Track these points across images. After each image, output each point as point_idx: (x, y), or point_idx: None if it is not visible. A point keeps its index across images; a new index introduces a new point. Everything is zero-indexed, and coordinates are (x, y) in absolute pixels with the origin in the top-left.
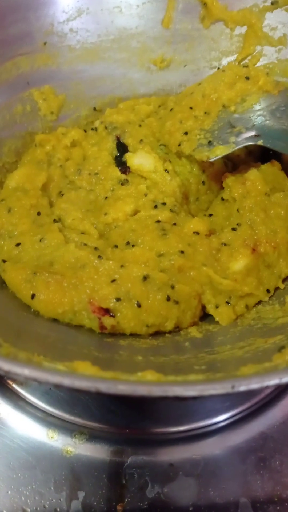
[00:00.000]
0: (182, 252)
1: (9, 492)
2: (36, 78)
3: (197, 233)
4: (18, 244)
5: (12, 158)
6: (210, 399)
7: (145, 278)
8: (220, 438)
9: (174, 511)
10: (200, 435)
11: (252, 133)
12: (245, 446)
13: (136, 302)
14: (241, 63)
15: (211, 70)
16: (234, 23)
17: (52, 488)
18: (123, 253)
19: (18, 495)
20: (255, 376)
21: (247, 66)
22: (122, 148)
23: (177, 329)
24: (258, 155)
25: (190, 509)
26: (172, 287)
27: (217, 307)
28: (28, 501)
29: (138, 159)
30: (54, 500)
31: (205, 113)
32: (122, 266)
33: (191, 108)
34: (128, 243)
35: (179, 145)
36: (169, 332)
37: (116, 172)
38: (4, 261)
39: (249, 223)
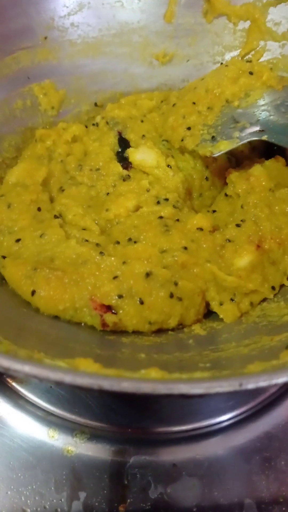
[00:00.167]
0: (185, 248)
1: (9, 492)
2: (37, 72)
3: (201, 229)
4: (18, 240)
5: (12, 154)
6: (213, 398)
7: (147, 274)
8: (224, 438)
9: None
10: (203, 434)
11: (256, 128)
12: (250, 446)
13: (138, 299)
14: (245, 58)
15: (214, 65)
16: (237, 17)
17: (52, 488)
18: (125, 249)
19: (18, 495)
20: (263, 373)
21: (250, 61)
22: (124, 143)
23: (180, 326)
24: (262, 150)
25: (194, 510)
26: (176, 283)
27: (221, 304)
28: (28, 501)
29: (140, 155)
30: (54, 501)
31: (208, 108)
32: (124, 262)
33: (194, 103)
34: (130, 239)
35: (182, 140)
36: (172, 329)
37: (117, 167)
38: (4, 257)
39: (253, 219)
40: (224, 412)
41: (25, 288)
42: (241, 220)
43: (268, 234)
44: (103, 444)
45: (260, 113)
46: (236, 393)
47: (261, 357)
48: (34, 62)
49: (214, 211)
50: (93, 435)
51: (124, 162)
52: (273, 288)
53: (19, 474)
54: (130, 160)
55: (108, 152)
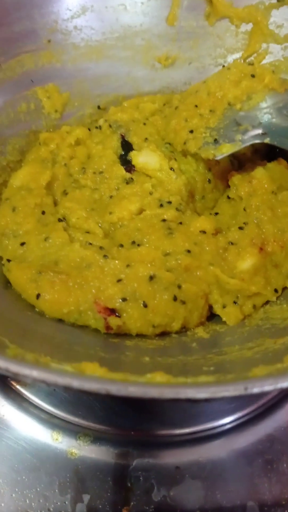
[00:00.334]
0: (188, 251)
1: (13, 495)
2: (40, 76)
3: (204, 232)
4: (22, 244)
5: (16, 157)
6: (217, 401)
7: (151, 277)
8: (227, 441)
9: None
10: (206, 437)
11: (259, 131)
12: (252, 449)
13: (142, 302)
14: (247, 61)
15: (216, 68)
16: (239, 20)
17: (56, 490)
18: (128, 252)
19: (22, 498)
20: (268, 377)
21: (252, 64)
22: (127, 146)
23: (183, 329)
24: (265, 153)
25: None
26: (179, 287)
27: (224, 307)
28: (33, 504)
29: (143, 158)
30: (58, 503)
31: (211, 111)
32: (128, 265)
33: (196, 106)
34: (133, 242)
35: (185, 143)
36: (176, 332)
37: (121, 170)
38: (8, 260)
39: (256, 222)
40: (226, 415)
41: (29, 292)
42: (244, 223)
43: (270, 236)
44: (107, 446)
45: (263, 116)
46: (239, 396)
47: (265, 361)
48: (37, 65)
49: (216, 213)
50: (97, 438)
51: (127, 165)
52: (275, 290)
53: (23, 477)
54: (133, 163)
55: (111, 155)
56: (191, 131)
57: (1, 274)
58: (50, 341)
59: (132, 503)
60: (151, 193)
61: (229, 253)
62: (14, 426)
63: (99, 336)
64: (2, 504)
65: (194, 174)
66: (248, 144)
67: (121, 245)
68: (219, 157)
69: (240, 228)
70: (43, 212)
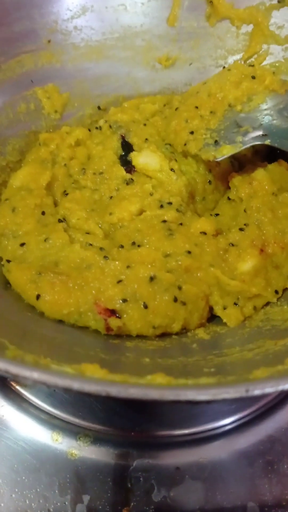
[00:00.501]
0: (189, 252)
1: (13, 495)
2: (40, 76)
3: (204, 233)
4: (22, 244)
5: (16, 157)
6: (217, 402)
7: (151, 278)
8: (227, 441)
9: None
10: (206, 438)
11: (259, 132)
12: (253, 450)
13: (142, 303)
14: (247, 62)
15: (217, 69)
16: (240, 21)
17: (56, 491)
18: (129, 253)
19: (22, 498)
20: (269, 379)
21: (253, 65)
22: (127, 147)
23: (184, 330)
24: (265, 154)
25: None
26: (179, 288)
27: (224, 308)
28: (33, 504)
29: (144, 158)
30: (58, 504)
31: (211, 112)
32: (128, 266)
33: (196, 107)
34: (134, 243)
35: (185, 144)
36: (176, 333)
37: (121, 171)
38: (8, 261)
39: (256, 223)
40: (227, 416)
41: (29, 293)
42: (244, 224)
43: (271, 238)
44: (107, 447)
45: (263, 118)
46: (240, 398)
47: (266, 362)
48: (37, 65)
49: (217, 214)
50: (97, 439)
51: (127, 165)
52: (276, 292)
53: (23, 477)
54: (133, 163)
55: (111, 156)
56: (192, 132)
57: (1, 274)
58: (50, 342)
59: (132, 504)
60: (151, 194)
61: (230, 255)
62: (14, 426)
63: (99, 337)
64: (2, 505)
65: (194, 175)
66: (248, 145)
67: (121, 246)
68: (219, 159)
69: (241, 229)
70: (43, 213)
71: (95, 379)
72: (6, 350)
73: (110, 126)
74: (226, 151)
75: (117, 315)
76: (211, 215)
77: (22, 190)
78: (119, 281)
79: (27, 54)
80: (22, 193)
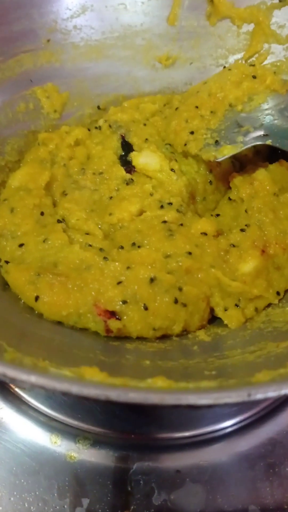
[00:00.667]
0: (189, 253)
1: (12, 498)
2: (40, 75)
3: (205, 233)
4: (21, 245)
5: (15, 157)
6: (218, 406)
7: (152, 280)
8: (228, 444)
9: None
10: (207, 440)
11: (261, 132)
12: (254, 452)
13: (143, 305)
14: (248, 61)
15: (217, 68)
16: (241, 20)
17: (55, 494)
18: (129, 254)
19: (21, 501)
20: (271, 383)
21: (253, 65)
22: (127, 147)
23: (184, 332)
24: (266, 154)
25: None
26: (180, 289)
27: (226, 309)
28: (32, 507)
29: (144, 158)
30: (58, 507)
31: (212, 112)
32: (128, 267)
33: (197, 107)
34: (134, 244)
35: (185, 144)
36: (177, 335)
37: (121, 171)
38: (7, 262)
39: (258, 224)
40: (228, 418)
41: (28, 294)
42: (246, 225)
43: (272, 239)
44: (106, 450)
45: (264, 118)
46: (242, 402)
47: (268, 365)
48: (36, 65)
49: (217, 215)
50: (96, 441)
51: (127, 165)
52: (278, 293)
53: (22, 480)
54: (133, 164)
55: (111, 156)
56: (192, 132)
57: None
58: (49, 344)
59: (132, 507)
60: (151, 194)
61: (231, 256)
62: (12, 429)
63: (99, 339)
64: (0, 508)
65: (195, 175)
66: (249, 145)
67: (121, 247)
68: (220, 159)
69: (242, 230)
70: (42, 213)
71: (94, 382)
72: (4, 352)
73: (110, 126)
74: (226, 152)
75: (117, 316)
76: (211, 215)
77: (21, 190)
78: (119, 282)
79: (26, 53)
80: (21, 193)
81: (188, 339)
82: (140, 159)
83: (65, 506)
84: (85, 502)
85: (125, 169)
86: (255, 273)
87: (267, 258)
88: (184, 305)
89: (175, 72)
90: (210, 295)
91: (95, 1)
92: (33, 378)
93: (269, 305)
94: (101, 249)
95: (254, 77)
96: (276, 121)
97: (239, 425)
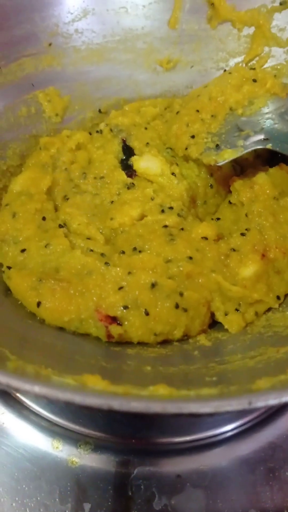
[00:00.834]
0: (190, 258)
1: (14, 504)
2: (41, 79)
3: (206, 238)
4: (23, 250)
5: (17, 161)
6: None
7: (153, 285)
8: (228, 448)
9: None
10: (207, 445)
11: (261, 136)
12: (254, 457)
13: (144, 310)
14: (249, 64)
15: (218, 71)
16: (241, 23)
17: (57, 499)
18: (130, 259)
19: (23, 507)
20: (272, 391)
21: (254, 68)
22: (128, 151)
23: (185, 337)
24: (266, 158)
25: None
26: (181, 294)
27: (226, 314)
28: None
29: (145, 162)
30: None
31: (212, 116)
32: (129, 273)
33: (197, 111)
34: (135, 248)
35: (186, 148)
36: (178, 340)
37: (122, 175)
38: (9, 267)
39: (258, 228)
40: (227, 423)
41: (30, 300)
42: (246, 229)
43: (273, 243)
44: (107, 455)
45: (265, 121)
46: (243, 410)
47: (268, 371)
48: (38, 68)
49: (218, 218)
50: (97, 446)
51: (128, 170)
52: (278, 297)
53: (24, 485)
54: (134, 168)
55: (112, 160)
56: (193, 136)
57: (1, 281)
58: (51, 350)
59: None
60: (152, 199)
61: (231, 260)
62: (14, 434)
63: (100, 345)
64: None
65: (195, 179)
66: (250, 150)
67: (123, 252)
68: (220, 163)
69: (242, 234)
70: (44, 218)
71: (96, 391)
72: (7, 361)
73: (111, 130)
74: (227, 156)
75: (118, 322)
76: (212, 219)
77: (23, 195)
78: (120, 288)
79: (28, 57)
80: (23, 198)
81: (188, 344)
82: (141, 163)
83: (67, 511)
84: (87, 507)
85: (126, 173)
86: (256, 278)
87: (267, 263)
88: (185, 310)
89: (176, 76)
90: (211, 300)
91: (96, 5)
92: (36, 388)
93: (269, 309)
94: (102, 254)
95: (254, 80)
96: (276, 125)
97: (239, 429)
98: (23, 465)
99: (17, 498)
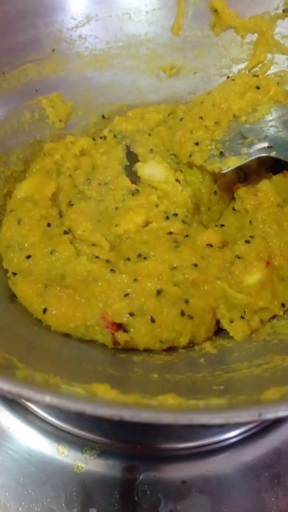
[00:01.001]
0: (195, 265)
1: (20, 509)
2: (45, 85)
3: (210, 245)
4: (28, 257)
5: (21, 167)
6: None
7: (158, 292)
8: (233, 454)
9: None
10: (212, 451)
11: (265, 144)
12: (259, 463)
13: (150, 317)
14: (252, 71)
15: (221, 78)
16: (245, 30)
17: (63, 505)
18: (135, 266)
19: None
20: (282, 402)
21: (257, 75)
22: (132, 157)
23: (191, 344)
24: (270, 165)
25: None
26: (186, 301)
27: (231, 321)
28: None
29: (149, 169)
30: None
31: (216, 123)
32: (135, 280)
33: (201, 117)
34: (140, 255)
35: (190, 155)
36: (183, 347)
37: (126, 182)
38: (14, 273)
39: (262, 235)
40: (232, 428)
41: (36, 306)
42: (250, 236)
43: (277, 250)
44: (113, 460)
45: (268, 129)
46: (253, 421)
47: (275, 381)
48: (41, 74)
49: (222, 225)
50: (103, 451)
51: (133, 176)
52: (283, 305)
53: (30, 490)
54: (139, 174)
55: (116, 166)
56: (197, 143)
57: (7, 287)
58: (58, 358)
59: None
60: (157, 205)
61: (236, 267)
62: (19, 439)
63: (106, 352)
64: None
65: (200, 185)
66: (254, 157)
67: (128, 259)
68: (225, 171)
69: (247, 241)
70: (49, 224)
71: (107, 401)
72: (17, 369)
73: (115, 136)
74: (231, 163)
75: (124, 329)
76: (216, 225)
77: (27, 201)
78: (126, 295)
79: (31, 63)
80: (27, 204)
81: (194, 351)
82: (145, 169)
83: None
84: None
85: (130, 180)
86: (260, 285)
87: (272, 270)
88: (191, 317)
89: (179, 82)
90: (216, 307)
91: (99, 11)
92: (47, 398)
93: (274, 316)
94: (107, 261)
95: (257, 87)
96: (280, 133)
97: (244, 435)
98: (28, 470)
99: (23, 503)
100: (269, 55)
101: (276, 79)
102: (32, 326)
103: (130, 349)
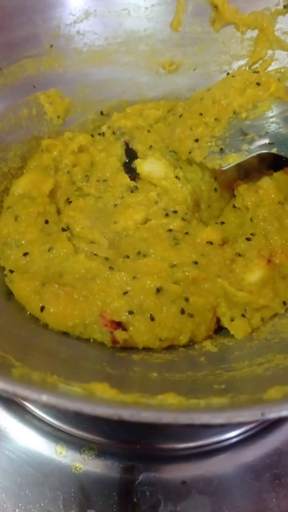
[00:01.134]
0: (195, 263)
1: (17, 510)
2: (42, 81)
3: (211, 242)
4: (25, 254)
5: (18, 163)
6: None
7: (158, 290)
8: (234, 455)
9: None
10: (212, 451)
11: (266, 140)
12: (260, 463)
13: (149, 315)
14: (252, 67)
15: (221, 74)
16: (245, 26)
17: (61, 506)
18: (134, 263)
19: None
20: (285, 402)
21: (257, 72)
22: (130, 154)
23: (191, 342)
24: (270, 162)
25: None
26: (186, 299)
27: (232, 320)
28: None
29: (148, 166)
30: None
31: (216, 119)
32: (134, 277)
33: (201, 114)
34: (139, 253)
35: (190, 152)
36: (183, 346)
37: (125, 178)
38: (11, 271)
39: (263, 233)
40: (233, 429)
41: (33, 304)
42: (251, 234)
43: (278, 248)
44: (112, 461)
45: (269, 126)
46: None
47: (277, 379)
48: (39, 70)
49: (222, 222)
50: (102, 452)
51: (132, 173)
52: (284, 303)
53: (27, 491)
54: (138, 171)
55: (115, 163)
56: (196, 140)
57: (3, 284)
58: (55, 356)
59: None
60: (156, 202)
61: (237, 265)
62: (16, 439)
63: (105, 350)
64: None
65: (199, 182)
66: (254, 154)
67: (127, 256)
68: (225, 168)
69: (248, 239)
70: (47, 221)
71: (105, 400)
72: (13, 368)
73: (114, 132)
74: (232, 160)
75: (123, 327)
76: (216, 223)
77: (25, 198)
78: (125, 293)
79: (29, 59)
80: (25, 201)
81: (194, 349)
82: (145, 166)
83: None
84: None
85: (129, 177)
86: (261, 283)
87: (273, 268)
88: (191, 315)
89: (178, 78)
90: (217, 305)
91: (98, 7)
92: (44, 398)
93: (275, 315)
94: (106, 258)
95: (258, 84)
96: (281, 129)
97: (245, 435)
98: (26, 471)
99: (20, 504)
100: (270, 52)
101: (277, 75)
102: (29, 324)
103: (129, 348)
